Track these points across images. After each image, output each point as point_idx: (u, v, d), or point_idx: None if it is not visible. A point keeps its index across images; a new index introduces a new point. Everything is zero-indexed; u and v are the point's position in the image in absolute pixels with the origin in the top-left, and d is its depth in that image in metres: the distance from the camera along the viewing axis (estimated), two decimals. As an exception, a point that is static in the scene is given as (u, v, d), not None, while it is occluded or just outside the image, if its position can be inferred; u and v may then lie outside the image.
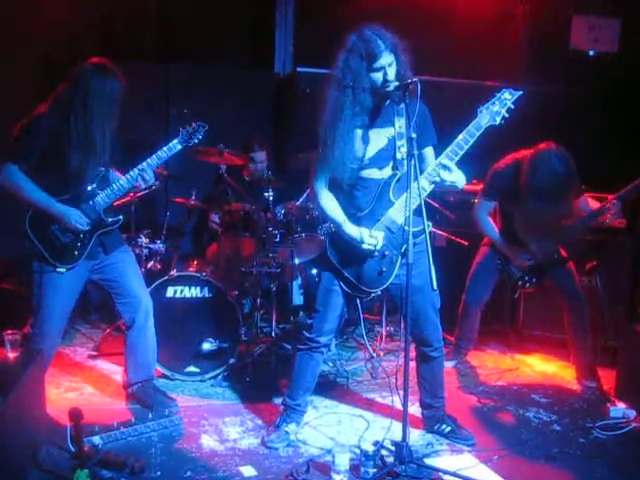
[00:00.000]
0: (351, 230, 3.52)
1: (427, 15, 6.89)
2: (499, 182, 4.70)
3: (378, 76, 3.40)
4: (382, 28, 3.42)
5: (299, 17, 7.39)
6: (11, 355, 3.67)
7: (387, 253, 3.55)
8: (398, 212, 3.51)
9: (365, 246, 3.47)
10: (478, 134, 3.41)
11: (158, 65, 6.90)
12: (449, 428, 3.94)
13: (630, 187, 4.57)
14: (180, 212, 6.01)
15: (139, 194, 5.10)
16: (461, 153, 3.42)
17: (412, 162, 3.29)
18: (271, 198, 5.14)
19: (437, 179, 3.43)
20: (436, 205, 5.54)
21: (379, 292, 3.67)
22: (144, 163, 3.96)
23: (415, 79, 3.30)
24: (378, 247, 3.49)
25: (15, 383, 3.21)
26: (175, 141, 4.03)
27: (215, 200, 5.68)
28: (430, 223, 3.49)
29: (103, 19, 6.69)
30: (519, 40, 7.45)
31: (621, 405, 4.31)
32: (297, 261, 5.43)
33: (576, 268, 4.88)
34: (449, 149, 3.42)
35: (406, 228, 3.37)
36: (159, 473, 3.44)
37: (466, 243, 5.43)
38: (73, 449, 3.30)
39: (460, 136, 3.41)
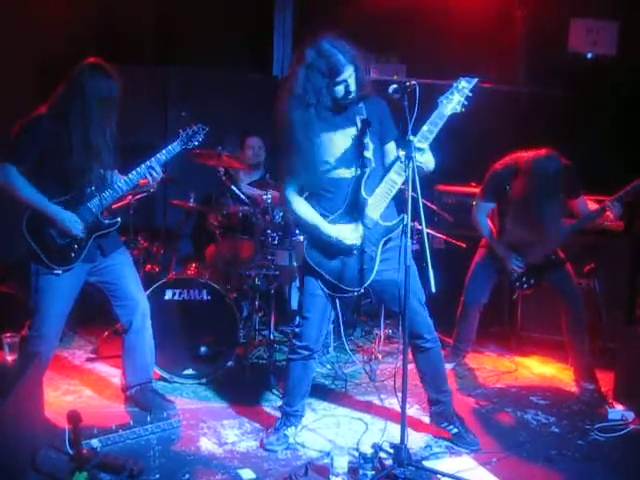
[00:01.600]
0: (330, 229, 3.54)
1: (426, 18, 6.90)
2: (497, 183, 4.72)
3: (340, 89, 3.45)
4: (339, 38, 3.45)
5: (298, 20, 7.40)
6: (9, 358, 3.66)
7: (366, 250, 3.57)
8: (372, 208, 3.54)
9: (349, 242, 3.50)
10: (442, 123, 3.46)
11: (157, 68, 6.92)
12: (456, 430, 3.91)
13: (627, 189, 4.58)
14: (178, 215, 6.01)
15: (138, 197, 5.11)
16: (426, 143, 3.45)
17: (410, 165, 3.28)
18: (269, 201, 5.14)
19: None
20: (434, 207, 5.54)
21: (362, 290, 3.68)
22: (143, 165, 3.95)
23: (414, 82, 3.32)
24: (359, 241, 3.51)
25: (13, 386, 3.21)
26: (175, 143, 4.04)
27: (214, 202, 5.68)
28: (405, 216, 3.48)
29: (102, 22, 6.69)
30: (518, 43, 7.46)
31: (619, 407, 4.31)
32: (295, 263, 5.43)
33: (574, 270, 4.88)
34: (415, 140, 3.41)
35: (382, 223, 3.47)
36: (158, 476, 3.43)
37: (464, 245, 5.44)
38: (71, 452, 3.31)
39: (424, 127, 3.45)
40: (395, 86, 3.39)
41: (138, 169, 3.95)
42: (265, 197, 5.13)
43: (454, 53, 6.95)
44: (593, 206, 4.74)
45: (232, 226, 5.36)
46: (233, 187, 5.43)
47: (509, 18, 7.47)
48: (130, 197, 5.02)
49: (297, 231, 5.05)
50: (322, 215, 3.61)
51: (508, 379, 5.07)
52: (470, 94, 3.46)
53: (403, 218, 3.42)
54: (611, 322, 5.23)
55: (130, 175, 3.95)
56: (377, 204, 3.53)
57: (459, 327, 5.08)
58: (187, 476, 3.46)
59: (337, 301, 3.78)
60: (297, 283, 5.86)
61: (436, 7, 7.05)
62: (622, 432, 4.11)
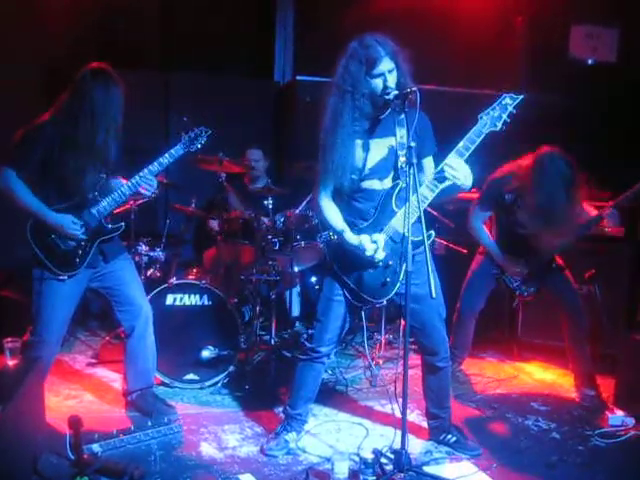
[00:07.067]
0: (352, 238, 3.51)
1: (427, 24, 6.92)
2: (495, 192, 4.69)
3: (377, 82, 3.39)
4: (383, 35, 3.42)
5: (299, 26, 7.43)
6: (11, 363, 3.67)
7: (391, 263, 3.54)
8: (401, 222, 3.49)
9: (367, 253, 3.46)
10: (479, 140, 3.39)
11: (159, 74, 6.93)
12: (454, 438, 3.92)
13: (626, 194, 4.57)
14: (180, 220, 6.02)
15: (139, 202, 5.12)
16: (461, 160, 3.41)
17: (411, 171, 3.26)
18: (271, 206, 5.15)
19: (440, 185, 3.42)
20: (435, 214, 5.54)
21: (384, 302, 3.67)
22: (145, 170, 3.95)
23: (414, 88, 3.29)
24: (380, 253, 3.46)
25: (14, 391, 3.21)
26: (177, 147, 4.04)
27: (215, 207, 5.69)
28: (433, 232, 3.49)
29: (104, 28, 6.71)
30: (518, 49, 7.47)
31: (620, 413, 4.31)
32: (296, 269, 5.44)
33: (575, 277, 4.87)
34: (449, 157, 3.42)
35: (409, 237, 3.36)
36: (158, 481, 3.44)
37: (465, 251, 5.44)
38: (72, 457, 3.31)
39: (461, 143, 3.40)
40: (396, 92, 3.38)
41: (141, 173, 3.95)
42: (266, 202, 5.14)
43: (455, 59, 6.97)
44: (592, 211, 4.72)
45: (233, 231, 5.37)
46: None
47: (510, 24, 7.49)
48: (131, 202, 5.03)
49: (320, 235, 5.04)
50: (351, 223, 3.59)
51: (509, 385, 5.07)
52: (514, 111, 3.35)
53: (430, 234, 3.39)
54: (612, 328, 5.23)
55: (133, 180, 3.94)
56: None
57: (455, 334, 5.03)
58: (188, 481, 3.46)
59: (362, 311, 3.76)
60: (298, 289, 5.88)
61: (438, 13, 7.08)
62: (622, 438, 4.12)
